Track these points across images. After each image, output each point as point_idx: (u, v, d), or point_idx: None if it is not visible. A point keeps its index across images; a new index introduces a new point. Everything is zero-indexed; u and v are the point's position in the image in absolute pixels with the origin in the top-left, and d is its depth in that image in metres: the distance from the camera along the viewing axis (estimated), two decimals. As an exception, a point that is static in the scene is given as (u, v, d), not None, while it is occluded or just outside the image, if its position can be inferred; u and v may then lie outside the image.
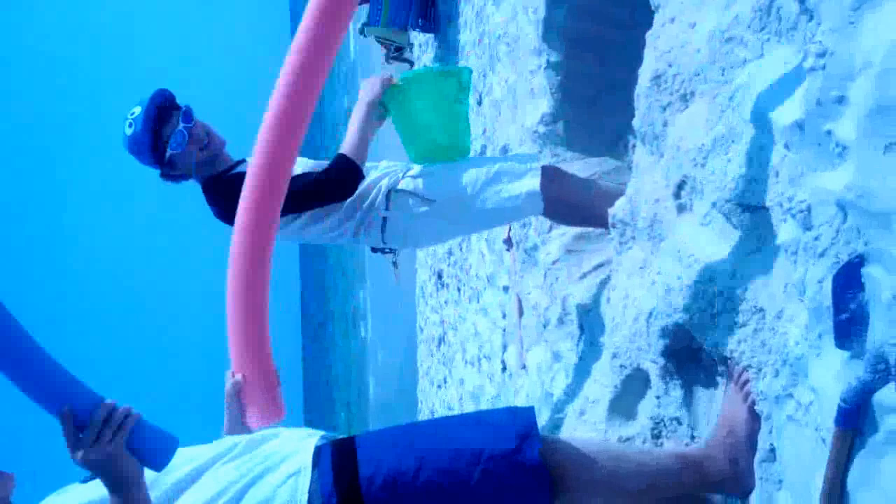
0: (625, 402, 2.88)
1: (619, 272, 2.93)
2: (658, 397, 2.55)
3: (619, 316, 2.83)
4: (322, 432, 2.12)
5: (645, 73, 2.67)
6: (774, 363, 1.90)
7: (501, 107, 5.25)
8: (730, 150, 2.11)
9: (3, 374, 1.69)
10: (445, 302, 8.24)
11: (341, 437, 2.09)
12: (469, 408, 7.01)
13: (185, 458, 1.94)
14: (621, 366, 2.80)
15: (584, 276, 3.65)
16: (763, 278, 1.99)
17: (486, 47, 5.97)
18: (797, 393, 1.81)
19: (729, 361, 2.12)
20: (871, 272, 1.54)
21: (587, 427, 3.08)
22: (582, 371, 3.46)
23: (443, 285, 8.37)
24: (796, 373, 1.81)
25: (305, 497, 1.86)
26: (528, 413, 2.01)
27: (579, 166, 3.85)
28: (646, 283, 2.60)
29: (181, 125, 3.02)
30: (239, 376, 2.56)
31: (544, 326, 4.02)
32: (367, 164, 3.26)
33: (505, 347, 5.51)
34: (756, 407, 2.00)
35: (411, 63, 10.15)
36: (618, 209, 2.87)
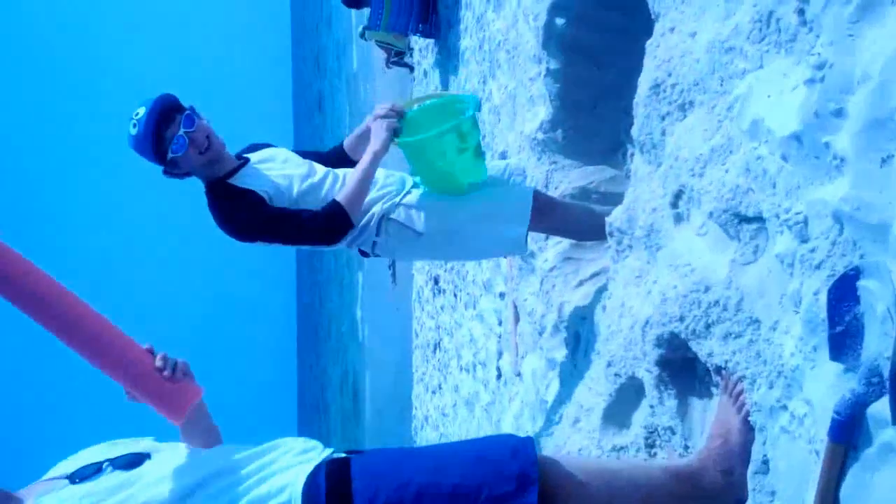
0: (619, 410, 2.87)
1: (615, 281, 2.93)
2: (652, 406, 2.55)
3: (614, 324, 2.83)
4: (318, 446, 2.09)
5: (644, 83, 2.67)
6: (769, 374, 1.90)
7: (501, 113, 5.26)
8: (727, 161, 2.11)
9: None
10: (441, 308, 8.23)
11: (337, 455, 2.06)
12: (463, 414, 7.00)
13: (173, 474, 1.92)
14: (616, 374, 2.79)
15: (580, 283, 3.65)
16: (758, 289, 1.99)
17: (487, 53, 5.97)
18: (791, 405, 1.80)
19: (723, 372, 2.12)
20: (866, 285, 1.54)
21: (581, 435, 3.08)
22: (576, 379, 3.46)
23: (439, 291, 8.37)
24: (790, 385, 1.80)
25: None
26: (528, 450, 1.99)
27: (577, 174, 3.85)
28: (642, 292, 2.60)
29: (182, 130, 3.08)
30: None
31: (540, 334, 4.02)
32: None
33: (500, 354, 5.50)
34: (750, 418, 2.00)
35: (411, 68, 10.16)
36: (615, 218, 2.87)
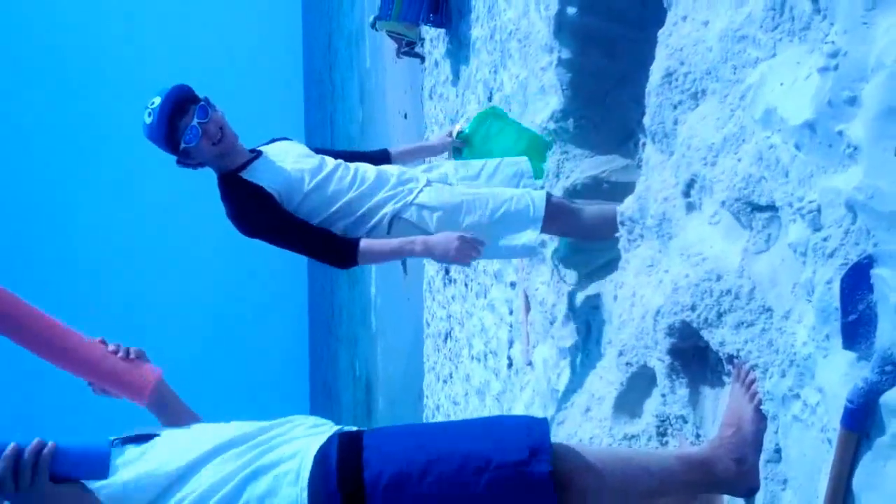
0: (630, 399, 2.88)
1: (626, 270, 2.93)
2: (664, 395, 2.55)
3: (626, 313, 2.83)
4: (329, 423, 2.11)
5: (656, 71, 2.66)
6: (781, 363, 1.90)
7: (512, 102, 5.25)
8: (740, 150, 2.11)
9: None
10: (453, 297, 8.24)
11: (349, 430, 2.08)
12: (474, 403, 7.02)
13: (184, 445, 1.94)
14: (627, 363, 2.79)
15: (591, 273, 3.65)
16: (771, 278, 1.99)
17: (498, 43, 5.97)
18: (804, 393, 1.80)
19: (735, 360, 2.12)
20: (880, 273, 1.53)
21: (592, 424, 3.08)
22: (588, 368, 3.46)
23: (450, 281, 8.38)
24: (803, 373, 1.80)
25: (306, 494, 1.85)
26: (542, 426, 1.99)
27: (588, 164, 3.84)
28: (653, 282, 2.60)
29: (195, 120, 3.11)
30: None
31: (551, 323, 4.02)
32: (380, 168, 3.35)
33: (511, 343, 5.51)
34: (762, 407, 2.00)
35: (422, 58, 10.15)
36: (627, 207, 2.87)
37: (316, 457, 1.92)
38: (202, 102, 3.15)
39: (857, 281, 1.59)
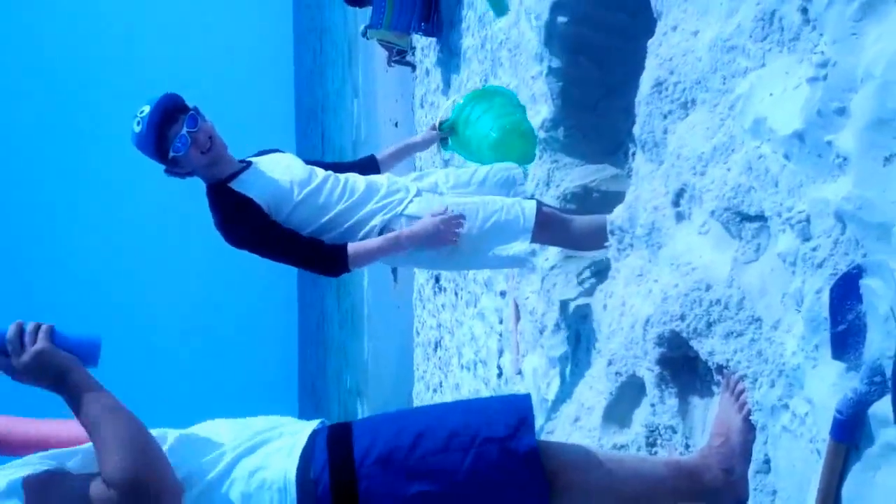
0: (620, 409, 2.87)
1: (616, 279, 2.93)
2: (653, 405, 2.54)
3: (615, 323, 2.83)
4: (322, 419, 2.13)
5: (646, 81, 2.66)
6: (770, 373, 1.90)
7: (502, 112, 5.24)
8: (729, 159, 2.11)
9: None
10: (443, 306, 8.22)
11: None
12: (464, 412, 6.99)
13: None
14: (617, 373, 2.79)
15: (581, 282, 3.65)
16: (760, 288, 1.99)
17: (488, 52, 5.97)
18: (793, 404, 1.80)
19: (724, 370, 2.12)
20: (869, 284, 1.53)
21: (581, 434, 3.08)
22: (577, 377, 3.45)
23: (440, 289, 8.36)
24: (792, 384, 1.80)
25: (296, 465, 1.87)
26: (525, 401, 2.01)
27: (578, 173, 3.85)
28: (643, 291, 2.60)
29: (185, 129, 3.09)
30: None
31: (541, 332, 4.02)
32: (369, 178, 3.34)
33: (501, 353, 5.50)
34: (751, 417, 2.00)
35: (413, 66, 10.16)
36: (616, 216, 2.87)
37: (308, 436, 1.96)
38: (192, 112, 3.13)
39: (846, 291, 1.59)
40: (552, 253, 3.84)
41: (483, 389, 6.12)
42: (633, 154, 3.07)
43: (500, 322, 5.57)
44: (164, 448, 1.84)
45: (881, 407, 1.49)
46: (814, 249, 1.71)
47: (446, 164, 7.53)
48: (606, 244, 3.02)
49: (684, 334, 2.28)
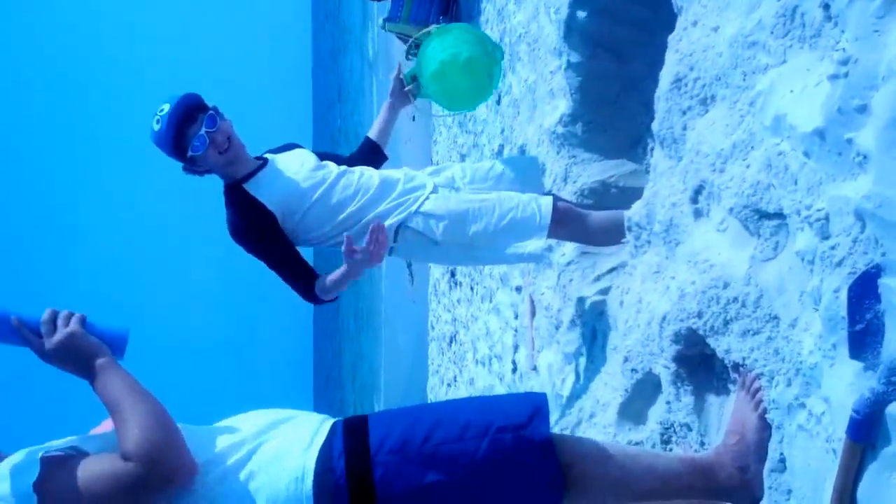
0: (635, 406, 2.86)
1: (633, 276, 2.92)
2: (669, 402, 2.54)
3: (631, 319, 2.82)
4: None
5: (666, 77, 2.65)
6: (787, 372, 1.89)
7: (520, 106, 5.24)
8: (748, 156, 2.10)
9: None
10: (458, 301, 8.22)
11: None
12: (478, 407, 6.98)
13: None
14: (633, 370, 2.78)
15: (598, 278, 3.64)
16: (778, 286, 1.98)
17: (507, 46, 5.95)
18: (809, 403, 1.79)
19: (741, 368, 2.11)
20: (887, 283, 1.52)
21: (596, 430, 3.07)
22: (592, 374, 3.45)
23: (456, 284, 8.36)
24: (809, 382, 1.79)
25: (314, 455, 1.89)
26: (540, 396, 2.02)
27: (596, 168, 3.83)
28: (660, 288, 2.59)
29: (203, 129, 3.11)
30: None
31: (556, 328, 4.01)
32: (385, 174, 3.36)
33: (516, 348, 5.50)
34: (767, 415, 1.99)
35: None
36: (634, 213, 2.86)
37: (329, 427, 1.99)
38: (211, 111, 3.15)
39: (864, 290, 1.58)
40: (568, 249, 3.83)
41: (497, 385, 6.12)
42: (652, 150, 3.06)
43: (516, 317, 5.57)
44: (183, 434, 1.86)
45: (899, 407, 1.48)
46: (832, 248, 1.70)
47: (463, 158, 7.53)
48: (624, 240, 3.01)
49: (701, 332, 2.27)
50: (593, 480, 1.97)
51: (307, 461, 1.88)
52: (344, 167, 3.36)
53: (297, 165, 3.31)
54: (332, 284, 3.17)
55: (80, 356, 1.88)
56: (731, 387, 2.29)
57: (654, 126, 2.75)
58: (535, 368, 4.54)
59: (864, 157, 1.62)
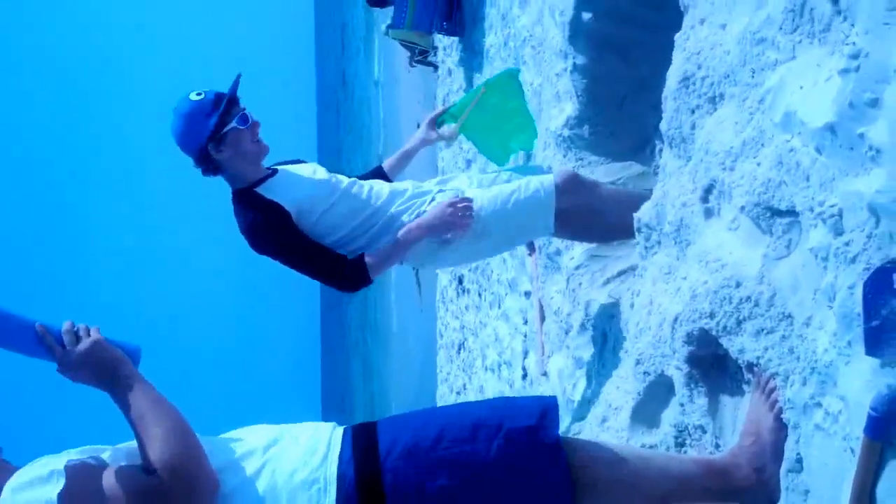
0: (648, 409, 2.84)
1: (644, 277, 2.90)
2: (682, 405, 2.51)
3: (643, 321, 2.80)
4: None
5: (673, 76, 2.63)
6: (802, 371, 1.86)
7: (526, 110, 5.22)
8: (759, 154, 2.08)
9: None
10: (466, 307, 8.21)
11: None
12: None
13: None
14: (645, 372, 2.76)
15: (607, 281, 3.62)
16: (791, 284, 1.95)
17: (512, 50, 5.95)
18: (825, 402, 1.77)
19: (755, 369, 2.08)
20: (904, 278, 1.50)
21: (609, 434, 3.05)
22: (604, 378, 3.42)
23: (464, 291, 8.34)
24: (825, 381, 1.77)
25: (335, 466, 1.88)
26: (550, 398, 2.02)
27: (604, 171, 3.82)
28: (671, 289, 2.56)
29: (244, 109, 3.15)
30: None
31: (566, 332, 3.99)
32: (393, 185, 3.34)
33: (526, 353, 5.48)
34: (783, 415, 1.96)
35: (435, 66, 10.15)
36: (644, 213, 2.84)
37: (341, 434, 1.98)
38: (243, 110, 3.16)
39: (880, 286, 1.56)
40: (577, 252, 3.82)
41: (507, 391, 6.09)
42: (660, 152, 3.04)
43: (525, 323, 5.55)
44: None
45: (918, 403, 1.46)
46: (846, 244, 1.68)
47: (469, 163, 7.51)
48: (634, 241, 2.99)
49: (714, 332, 2.24)
50: (605, 484, 1.96)
51: (328, 473, 1.87)
52: (354, 179, 3.37)
53: (310, 172, 3.31)
54: (384, 256, 3.17)
55: (104, 367, 1.88)
56: (744, 388, 2.26)
57: (663, 126, 2.73)
58: (545, 374, 4.51)
59: (877, 151, 1.60)
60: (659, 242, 2.76)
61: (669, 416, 2.69)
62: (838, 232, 1.72)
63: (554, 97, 4.22)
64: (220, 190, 3.32)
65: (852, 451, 1.63)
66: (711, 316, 2.23)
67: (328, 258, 3.17)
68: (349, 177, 3.43)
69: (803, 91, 1.91)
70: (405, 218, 3.24)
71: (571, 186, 3.27)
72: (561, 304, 4.05)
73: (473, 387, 7.77)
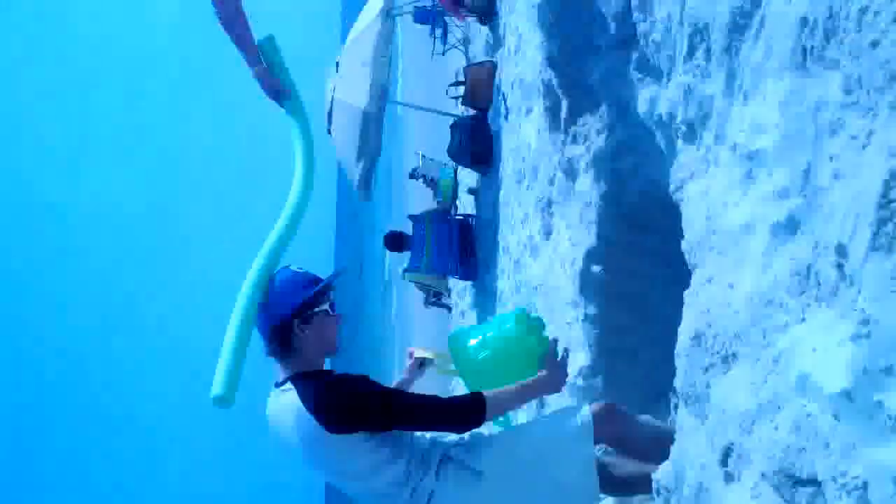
0: None
1: (664, 541, 2.77)
2: None
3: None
4: None
5: (685, 333, 2.63)
6: None
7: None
8: (776, 418, 2.03)
9: None
10: None
11: None
12: None
13: None
14: None
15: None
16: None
17: (524, 296, 6.03)
18: None
19: None
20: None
21: None
22: None
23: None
24: None
25: None
26: None
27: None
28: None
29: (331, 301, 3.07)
30: None
31: None
32: None
33: None
34: None
35: (449, 308, 10.31)
36: (662, 475, 2.76)
37: None
38: (333, 301, 3.08)
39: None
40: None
41: None
42: (675, 406, 2.99)
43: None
44: None
45: None
46: (876, 518, 1.60)
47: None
48: (655, 490, 2.87)
49: None
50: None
51: None
52: None
53: None
54: (503, 400, 3.00)
55: None
56: None
57: (677, 383, 2.70)
58: None
59: (897, 420, 1.56)
60: (679, 505, 2.65)
61: None
62: (865, 504, 1.65)
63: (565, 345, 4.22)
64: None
65: None
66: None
67: (444, 406, 2.93)
68: None
69: (816, 354, 1.89)
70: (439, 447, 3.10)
71: (608, 414, 3.13)
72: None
73: None
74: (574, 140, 4.28)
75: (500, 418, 3.20)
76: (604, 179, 3.90)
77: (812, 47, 2.06)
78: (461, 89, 9.71)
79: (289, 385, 2.91)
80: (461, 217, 9.74)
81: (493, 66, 8.75)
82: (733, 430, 2.22)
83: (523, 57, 6.60)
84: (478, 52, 10.53)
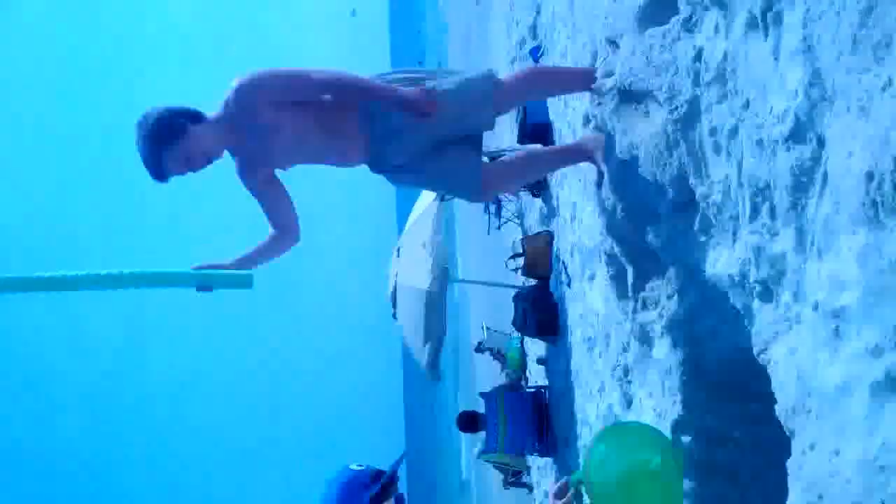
0: None
1: None
2: None
3: None
4: None
5: (794, 506, 2.48)
6: None
7: None
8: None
9: None
10: None
11: None
12: None
13: None
14: None
15: None
16: None
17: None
18: None
19: None
20: None
21: None
22: None
23: None
24: None
25: None
26: None
27: None
28: None
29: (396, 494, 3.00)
30: None
31: None
32: None
33: None
34: None
35: (530, 488, 10.04)
36: None
37: None
38: (400, 493, 3.01)
39: None
40: None
41: None
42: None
43: None
44: None
45: None
46: None
47: None
48: None
49: None
50: None
51: None
52: None
53: None
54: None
55: None
56: None
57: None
58: None
59: None
60: None
61: None
62: None
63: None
64: None
65: None
66: None
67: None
68: None
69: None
70: None
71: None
72: None
73: None
74: (644, 306, 4.23)
75: None
76: (681, 345, 3.82)
77: (882, 201, 2.02)
78: (520, 261, 9.79)
79: None
80: (533, 388, 9.61)
81: (550, 236, 8.83)
82: None
83: (580, 224, 6.66)
84: (533, 223, 10.67)
